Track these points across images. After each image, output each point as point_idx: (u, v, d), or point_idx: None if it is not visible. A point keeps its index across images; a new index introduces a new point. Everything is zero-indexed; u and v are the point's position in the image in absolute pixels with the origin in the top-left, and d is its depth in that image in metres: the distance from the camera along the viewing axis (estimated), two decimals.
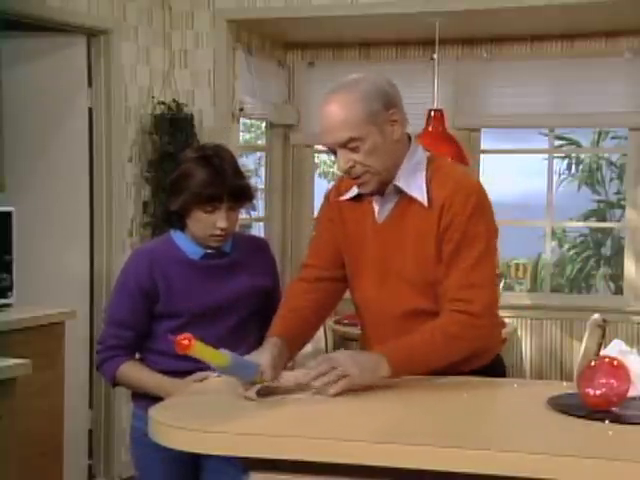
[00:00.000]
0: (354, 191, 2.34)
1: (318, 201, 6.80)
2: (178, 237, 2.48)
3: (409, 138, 2.31)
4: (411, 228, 2.24)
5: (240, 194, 2.42)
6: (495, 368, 2.34)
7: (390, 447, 1.67)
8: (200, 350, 1.96)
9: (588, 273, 12.01)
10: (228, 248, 2.49)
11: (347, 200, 2.37)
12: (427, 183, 2.24)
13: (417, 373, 2.19)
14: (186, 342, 1.93)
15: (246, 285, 2.49)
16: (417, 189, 2.24)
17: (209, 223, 2.39)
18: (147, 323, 2.46)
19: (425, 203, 2.22)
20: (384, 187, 2.27)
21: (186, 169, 2.40)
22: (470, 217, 2.20)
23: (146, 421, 1.92)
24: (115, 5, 4.76)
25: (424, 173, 2.25)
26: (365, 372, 2.08)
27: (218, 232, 2.40)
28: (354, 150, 2.19)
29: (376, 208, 2.30)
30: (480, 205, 2.23)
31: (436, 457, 1.64)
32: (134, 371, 2.46)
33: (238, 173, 2.43)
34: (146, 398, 2.36)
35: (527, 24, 5.22)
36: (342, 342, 5.60)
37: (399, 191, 2.26)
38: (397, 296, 2.26)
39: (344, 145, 2.19)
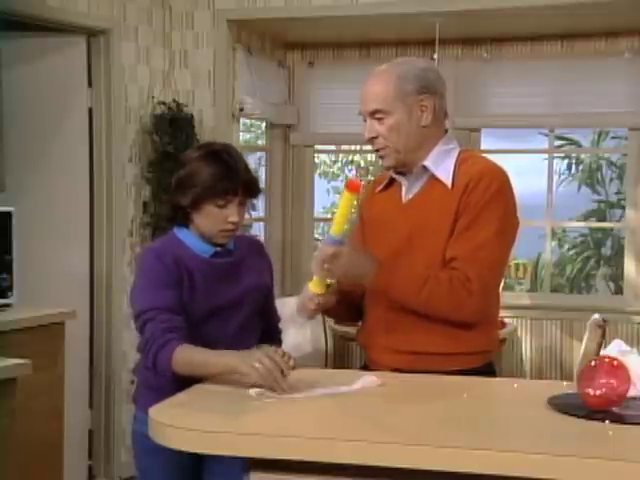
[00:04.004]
0: (385, 180, 2.50)
1: (318, 201, 6.80)
2: (184, 236, 2.46)
3: (446, 131, 2.43)
4: (433, 207, 2.33)
5: (252, 187, 2.43)
6: (484, 373, 2.35)
7: (390, 447, 1.67)
8: (346, 207, 2.21)
9: (588, 273, 12.01)
10: (232, 247, 2.50)
11: (380, 191, 2.51)
12: (455, 168, 2.35)
13: (392, 299, 2.29)
14: (358, 185, 2.19)
15: (254, 283, 2.49)
16: (444, 171, 2.35)
17: (220, 218, 2.38)
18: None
19: (449, 184, 2.32)
20: (407, 167, 2.39)
21: (196, 166, 2.38)
22: (489, 202, 2.28)
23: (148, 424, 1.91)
24: (115, 5, 4.76)
25: (454, 160, 2.37)
26: (351, 271, 2.25)
27: (230, 227, 2.39)
28: (380, 122, 2.35)
29: (404, 189, 2.42)
30: (502, 193, 2.31)
31: (436, 457, 1.64)
32: (197, 351, 2.21)
33: (247, 168, 2.44)
34: (150, 400, 2.31)
35: (527, 24, 5.22)
36: (342, 342, 5.60)
37: (427, 172, 2.37)
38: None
39: (371, 115, 2.35)
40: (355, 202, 2.28)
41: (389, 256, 2.33)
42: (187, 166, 2.42)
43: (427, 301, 2.26)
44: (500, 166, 2.39)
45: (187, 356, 2.20)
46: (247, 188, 2.41)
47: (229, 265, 2.47)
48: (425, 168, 2.37)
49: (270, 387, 2.04)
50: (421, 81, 2.34)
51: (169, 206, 2.49)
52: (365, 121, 2.39)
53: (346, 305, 2.54)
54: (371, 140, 2.38)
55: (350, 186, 2.21)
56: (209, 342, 2.41)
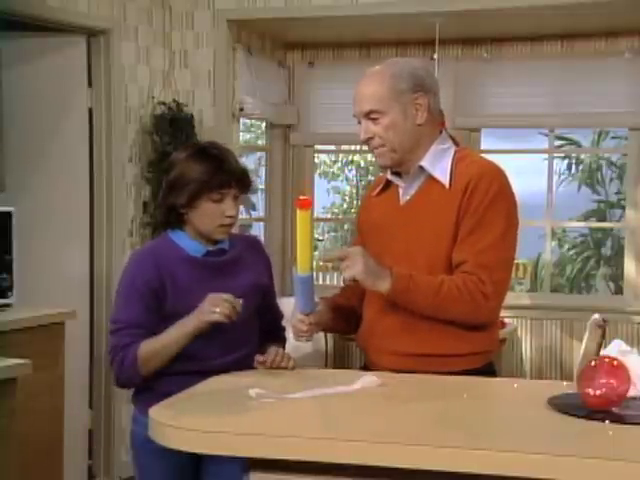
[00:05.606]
0: (381, 183, 2.50)
1: (318, 201, 6.81)
2: (177, 236, 2.47)
3: (440, 132, 2.41)
4: (432, 208, 2.32)
5: (245, 180, 2.45)
6: (485, 373, 2.35)
7: (390, 447, 1.67)
8: (305, 228, 2.21)
9: (588, 273, 12.02)
10: (226, 246, 2.49)
11: (378, 194, 2.50)
12: (452, 167, 2.34)
13: (409, 308, 2.26)
14: (309, 201, 2.21)
15: (249, 282, 2.49)
16: (441, 170, 2.34)
17: (217, 213, 2.39)
18: (158, 323, 2.39)
19: (447, 184, 2.31)
20: (403, 167, 2.39)
21: (186, 165, 2.39)
22: (491, 202, 2.27)
23: (147, 426, 1.91)
24: (115, 5, 4.76)
25: (450, 159, 2.36)
26: (368, 277, 2.21)
27: (227, 221, 2.41)
28: (375, 122, 2.34)
29: (401, 191, 2.41)
30: (503, 193, 2.31)
31: (436, 457, 1.64)
32: (154, 341, 2.34)
33: (237, 160, 2.46)
34: (149, 400, 2.29)
35: (527, 24, 5.22)
36: (342, 342, 5.60)
37: (424, 172, 2.36)
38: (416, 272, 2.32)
39: (366, 116, 2.34)
40: (311, 222, 2.27)
41: (390, 260, 2.32)
42: (177, 167, 2.42)
43: (442, 306, 2.25)
44: (497, 165, 2.39)
45: (150, 347, 2.35)
46: (240, 180, 2.42)
47: (222, 264, 2.47)
48: (422, 168, 2.36)
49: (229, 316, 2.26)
50: (415, 79, 2.34)
51: (162, 210, 2.48)
52: (360, 123, 2.38)
53: (345, 319, 2.54)
54: (367, 141, 2.38)
55: (302, 204, 2.20)
56: (206, 342, 2.41)
